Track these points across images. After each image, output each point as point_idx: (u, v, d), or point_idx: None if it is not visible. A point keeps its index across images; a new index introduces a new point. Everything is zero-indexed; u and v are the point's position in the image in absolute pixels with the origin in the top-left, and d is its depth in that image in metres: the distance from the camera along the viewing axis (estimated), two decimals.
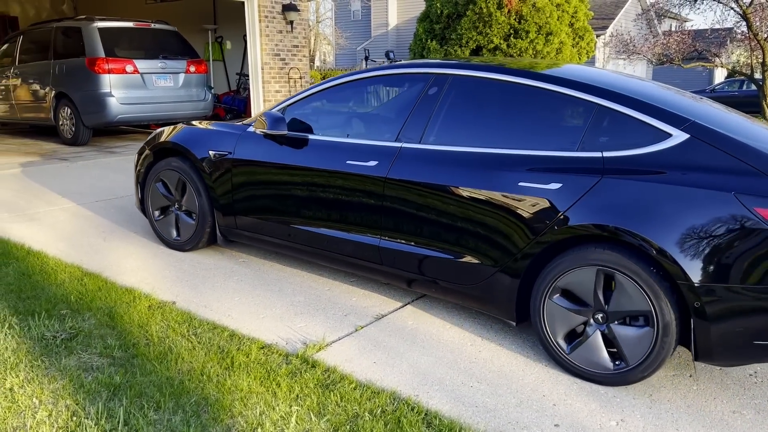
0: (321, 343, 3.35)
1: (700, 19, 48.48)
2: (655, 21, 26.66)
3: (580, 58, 11.32)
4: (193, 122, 4.76)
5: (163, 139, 4.69)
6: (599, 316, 3.02)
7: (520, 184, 3.17)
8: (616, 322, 2.98)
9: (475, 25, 10.53)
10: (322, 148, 3.92)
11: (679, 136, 2.96)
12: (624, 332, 2.96)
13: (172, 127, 4.80)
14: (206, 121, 4.76)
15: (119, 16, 10.68)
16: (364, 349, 3.32)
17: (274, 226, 4.16)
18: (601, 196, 2.96)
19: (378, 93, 4.28)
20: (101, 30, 9.19)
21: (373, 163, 3.65)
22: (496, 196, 3.22)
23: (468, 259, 3.37)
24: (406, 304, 3.91)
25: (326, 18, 38.97)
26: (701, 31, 25.41)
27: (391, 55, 7.21)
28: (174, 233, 4.72)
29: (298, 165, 3.95)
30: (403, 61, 4.19)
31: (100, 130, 9.82)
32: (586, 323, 3.06)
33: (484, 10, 10.40)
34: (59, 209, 5.74)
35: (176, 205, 4.68)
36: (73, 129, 9.40)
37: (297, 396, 2.82)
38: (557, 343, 3.14)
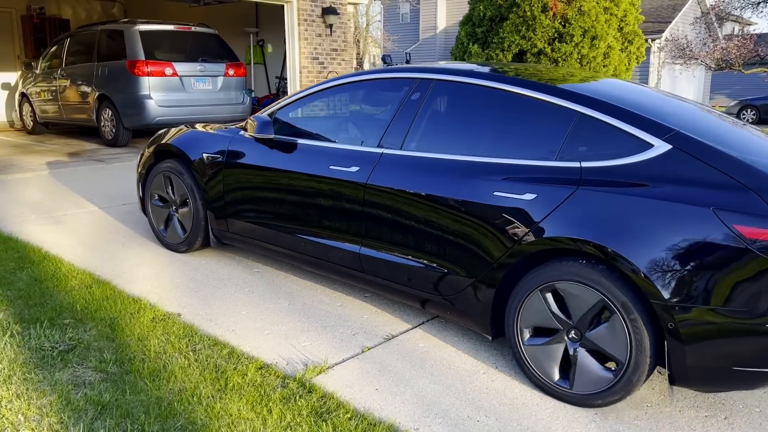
0: (323, 365, 3.18)
1: (764, 23, 46.54)
2: (715, 24, 25.61)
3: (629, 64, 10.88)
4: (197, 125, 4.74)
5: (162, 141, 4.74)
6: (573, 333, 2.90)
7: (495, 193, 3.07)
8: (587, 339, 2.85)
9: (518, 29, 10.22)
10: (308, 152, 3.89)
11: (660, 147, 2.81)
12: (594, 351, 2.85)
13: (176, 128, 4.81)
14: (212, 125, 4.73)
15: (163, 19, 10.81)
16: (367, 373, 3.14)
17: (262, 230, 4.13)
18: (575, 208, 2.84)
19: (367, 97, 4.18)
20: (142, 33, 9.28)
21: (354, 168, 3.59)
22: (471, 205, 3.14)
23: (444, 269, 3.28)
24: (418, 325, 3.70)
25: (376, 21, 38.98)
26: (765, 35, 24.31)
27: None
28: (173, 234, 4.74)
29: (284, 169, 3.93)
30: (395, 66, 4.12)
31: (140, 131, 9.92)
32: (561, 340, 2.94)
33: (528, 13, 10.08)
34: (85, 212, 5.75)
35: (173, 207, 4.70)
36: (114, 130, 9.52)
37: (288, 425, 2.65)
38: (531, 364, 3.04)
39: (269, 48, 11.92)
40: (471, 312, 3.25)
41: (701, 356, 2.63)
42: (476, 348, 3.46)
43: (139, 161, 4.97)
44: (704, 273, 2.56)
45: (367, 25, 38.77)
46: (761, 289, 2.50)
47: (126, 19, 9.94)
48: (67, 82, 10.38)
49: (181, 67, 9.35)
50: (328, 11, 10.02)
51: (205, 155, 4.38)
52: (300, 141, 3.97)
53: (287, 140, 4.02)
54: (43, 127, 11.69)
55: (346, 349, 3.37)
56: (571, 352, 2.90)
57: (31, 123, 11.68)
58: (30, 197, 6.20)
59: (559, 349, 2.94)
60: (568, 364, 2.94)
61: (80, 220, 5.47)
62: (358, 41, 35.08)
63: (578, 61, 10.02)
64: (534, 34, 10.11)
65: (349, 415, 2.73)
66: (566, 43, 10.01)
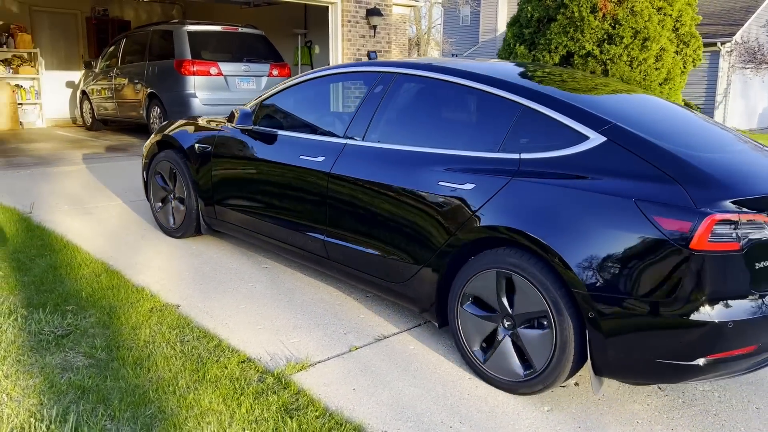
0: (305, 362, 3.16)
1: None
2: None
3: (684, 67, 10.42)
4: (200, 118, 4.97)
5: (164, 132, 5.05)
6: (507, 321, 2.96)
7: (440, 183, 3.16)
8: (521, 328, 2.90)
9: (565, 30, 9.95)
10: (282, 142, 4.07)
11: (595, 139, 2.83)
12: (528, 338, 2.88)
13: (180, 121, 5.08)
14: (218, 118, 4.92)
15: (217, 21, 11.09)
16: (349, 372, 3.10)
17: (244, 218, 4.32)
18: (508, 198, 2.90)
19: (341, 90, 4.29)
20: (190, 33, 9.53)
21: (320, 158, 3.75)
22: (418, 194, 3.24)
23: (396, 255, 3.38)
24: (413, 327, 3.64)
25: (436, 24, 38.84)
26: None
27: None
28: (171, 220, 5.00)
29: (261, 158, 4.13)
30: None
31: None
32: (496, 329, 3.00)
33: (576, 14, 9.81)
34: (115, 204, 5.94)
35: (171, 194, 4.98)
36: None
37: (255, 419, 2.65)
38: (471, 349, 3.11)
39: (316, 49, 12.03)
40: (420, 298, 3.32)
41: (622, 347, 2.61)
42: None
43: (144, 152, 5.25)
44: (624, 264, 2.56)
45: (429, 28, 38.70)
46: (679, 280, 2.47)
47: (177, 20, 10.23)
48: (122, 81, 10.78)
49: (226, 67, 9.55)
50: (373, 12, 10.04)
51: (196, 145, 4.63)
52: (276, 131, 4.15)
53: (265, 131, 4.21)
54: (101, 124, 12.18)
55: (334, 348, 3.34)
56: (500, 337, 2.98)
57: (90, 120, 12.19)
58: (68, 189, 6.45)
59: (489, 329, 3.02)
60: (491, 343, 3.03)
61: (108, 212, 5.65)
62: (418, 44, 35.03)
63: (628, 63, 9.68)
64: (582, 35, 9.82)
65: (317, 413, 2.70)
66: (615, 45, 9.68)
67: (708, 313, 2.47)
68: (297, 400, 2.80)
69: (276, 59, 10.14)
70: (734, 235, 2.47)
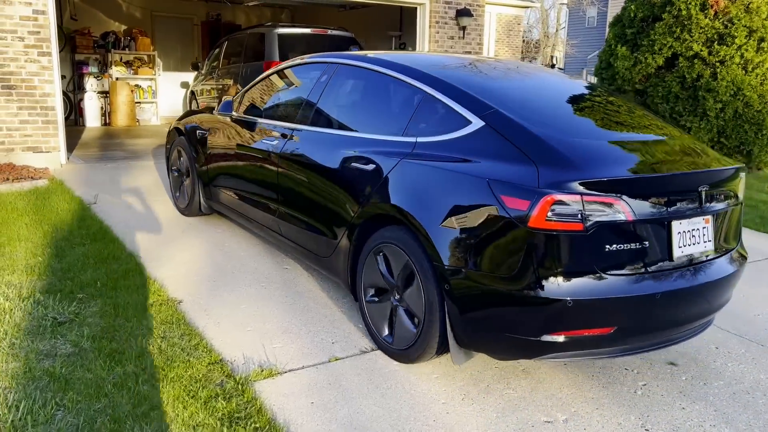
0: (276, 369, 3.05)
1: None
2: None
3: None
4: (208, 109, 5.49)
5: (179, 120, 5.68)
6: (396, 293, 3.15)
7: (353, 164, 3.42)
8: (404, 300, 3.10)
9: (671, 30, 9.14)
10: (253, 128, 4.48)
11: (476, 124, 2.99)
12: (407, 309, 3.10)
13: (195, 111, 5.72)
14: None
15: (316, 23, 11.33)
16: (316, 385, 2.95)
17: (227, 197, 4.78)
18: (396, 179, 3.12)
19: (300, 79, 4.55)
20: (280, 35, 9.76)
21: (275, 142, 4.13)
22: (337, 175, 3.52)
23: (323, 231, 3.66)
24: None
25: (560, 26, 37.43)
26: None
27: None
28: (182, 200, 5.54)
29: (238, 143, 4.57)
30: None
31: None
32: (390, 300, 3.21)
33: (684, 12, 8.97)
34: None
35: (183, 176, 5.47)
36: None
37: (195, 424, 2.57)
38: (370, 317, 3.35)
39: (408, 50, 11.95)
40: (340, 272, 3.57)
41: (474, 320, 2.77)
42: (455, 373, 3.11)
43: (168, 137, 5.83)
44: (474, 240, 2.72)
45: (557, 29, 37.40)
46: (520, 257, 2.58)
47: (270, 23, 10.53)
48: (222, 82, 11.28)
49: None
50: (462, 13, 9.77)
51: (198, 132, 5.16)
52: (249, 118, 4.58)
53: (242, 118, 4.68)
54: None
55: (314, 357, 3.21)
56: (393, 310, 3.18)
57: None
58: (141, 183, 6.80)
59: (387, 307, 3.22)
60: (392, 320, 3.21)
61: (165, 207, 5.87)
62: (537, 46, 33.93)
63: (741, 66, 8.71)
64: (690, 35, 8.97)
65: (259, 425, 2.58)
66: (727, 46, 8.75)
67: (546, 289, 2.55)
68: (245, 408, 2.70)
69: None
70: (578, 215, 2.52)
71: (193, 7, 14.28)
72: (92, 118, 12.57)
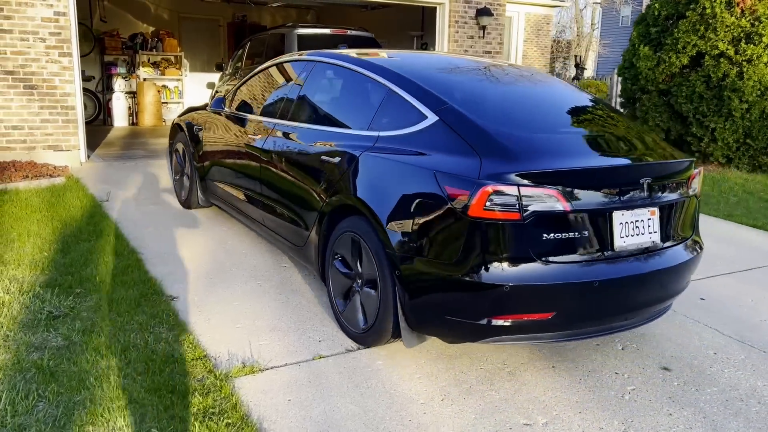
0: (258, 366, 3.07)
1: None
2: None
3: None
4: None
5: (178, 117, 5.97)
6: (359, 279, 3.30)
7: (322, 158, 3.59)
8: (364, 286, 3.25)
9: (695, 28, 8.93)
10: (242, 124, 4.65)
11: (431, 119, 3.12)
12: (366, 295, 3.25)
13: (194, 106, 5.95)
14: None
15: (340, 23, 11.35)
16: (296, 382, 2.95)
17: (219, 189, 5.00)
18: (356, 171, 3.28)
19: (283, 77, 4.67)
20: (300, 36, 9.81)
21: (258, 137, 4.32)
22: (309, 167, 3.71)
23: (297, 222, 3.83)
24: (395, 340, 3.40)
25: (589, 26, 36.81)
26: None
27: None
28: (182, 194, 5.80)
29: (228, 138, 4.77)
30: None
31: None
32: (352, 286, 3.37)
33: (708, 11, 8.76)
34: None
35: (184, 170, 5.71)
36: None
37: (168, 418, 2.60)
38: (336, 303, 3.51)
39: (431, 51, 11.90)
40: (312, 261, 3.72)
41: (422, 304, 2.92)
42: (438, 374, 3.08)
43: (170, 132, 6.16)
44: (423, 228, 2.86)
45: (592, 29, 36.81)
46: (461, 244, 2.72)
47: (290, 24, 10.61)
48: None
49: None
50: (483, 12, 9.69)
51: (194, 128, 5.42)
52: (238, 114, 4.77)
53: (232, 114, 4.86)
54: None
55: (298, 354, 3.22)
56: (355, 296, 3.35)
57: None
58: (154, 180, 6.90)
59: (350, 293, 3.39)
60: (348, 297, 3.41)
61: (172, 203, 5.94)
62: (568, 45, 33.47)
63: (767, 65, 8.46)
64: (715, 34, 8.75)
65: (231, 421, 2.60)
66: (754, 45, 8.51)
67: (485, 275, 2.69)
68: (221, 404, 2.72)
69: None
70: (515, 205, 2.64)
71: (220, 9, 14.46)
72: (120, 118, 12.82)
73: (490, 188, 2.64)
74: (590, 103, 3.80)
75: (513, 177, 2.67)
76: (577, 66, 11.32)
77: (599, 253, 2.85)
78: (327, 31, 10.13)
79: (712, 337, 3.65)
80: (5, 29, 6.97)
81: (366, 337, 3.26)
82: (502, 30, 10.17)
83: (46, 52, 7.18)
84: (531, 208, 2.66)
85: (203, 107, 5.73)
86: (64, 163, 7.40)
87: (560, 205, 2.70)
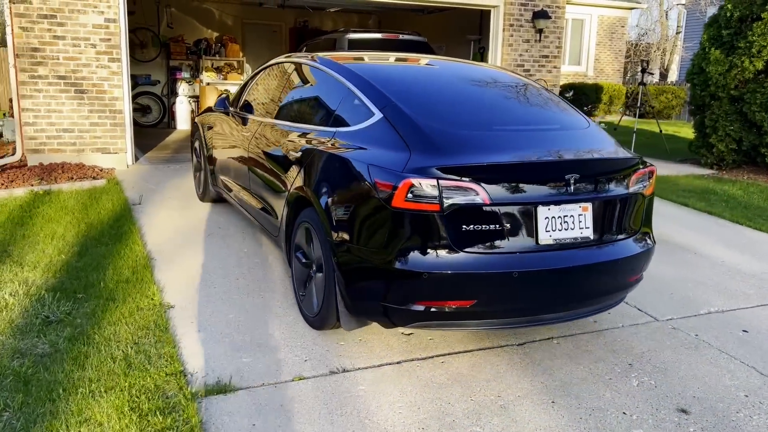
0: (232, 385, 2.93)
1: None
2: None
3: None
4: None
5: (197, 117, 6.39)
6: (313, 267, 3.46)
7: (289, 152, 3.82)
8: (317, 272, 3.42)
9: None
10: (240, 122, 4.93)
11: (377, 116, 3.32)
12: (317, 281, 3.41)
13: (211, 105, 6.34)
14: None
15: (401, 28, 11.23)
16: (266, 405, 2.79)
17: (222, 182, 5.36)
18: (310, 165, 3.52)
19: (275, 78, 4.89)
20: (350, 41, 9.74)
21: (248, 134, 4.63)
22: (280, 161, 3.94)
23: (272, 213, 4.10)
24: (385, 365, 3.19)
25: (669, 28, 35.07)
26: None
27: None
28: (198, 188, 6.28)
29: (228, 136, 5.12)
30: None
31: None
32: (309, 273, 3.54)
33: None
34: (217, 203, 6.22)
35: (201, 165, 6.10)
36: None
37: None
38: (297, 289, 3.72)
39: (488, 55, 11.55)
40: (284, 250, 3.94)
41: (356, 289, 3.10)
42: (420, 405, 2.85)
43: (191, 128, 6.82)
44: (355, 217, 3.06)
45: (676, 33, 35.16)
46: (386, 233, 2.89)
47: (343, 29, 10.55)
48: None
49: None
50: (539, 15, 9.28)
51: (207, 126, 5.76)
52: (238, 113, 5.04)
53: (233, 112, 5.12)
54: None
55: (279, 374, 3.06)
56: (309, 281, 3.54)
57: None
58: (193, 183, 6.94)
59: (306, 279, 3.58)
60: (310, 291, 3.54)
61: (206, 210, 5.93)
62: (652, 49, 32.03)
63: None
64: None
65: None
66: None
67: (406, 263, 2.84)
68: (180, 426, 2.59)
69: None
70: (435, 197, 2.78)
71: (282, 15, 14.63)
72: (182, 121, 13.14)
73: (411, 181, 2.79)
74: (548, 104, 3.88)
75: (434, 171, 2.82)
76: (643, 71, 10.66)
77: (521, 246, 2.94)
78: (378, 35, 10.01)
79: (747, 377, 3.24)
80: (59, 35, 7.21)
81: (316, 321, 3.46)
82: (561, 33, 9.72)
83: (96, 58, 7.38)
84: (451, 201, 2.80)
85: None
86: (111, 166, 7.59)
87: (480, 198, 2.83)
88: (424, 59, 4.63)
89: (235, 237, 5.13)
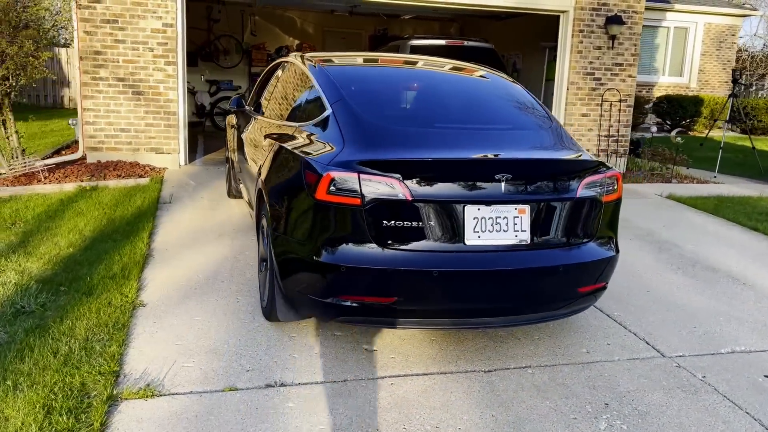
0: (158, 390, 2.82)
1: None
2: None
3: None
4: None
5: (228, 117, 6.69)
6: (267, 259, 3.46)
7: (264, 146, 4.02)
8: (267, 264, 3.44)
9: None
10: (247, 119, 5.16)
11: (328, 111, 3.37)
12: (265, 272, 3.48)
13: None
14: None
15: (479, 35, 10.96)
16: (182, 415, 2.66)
17: (237, 175, 5.63)
18: (270, 158, 3.66)
19: (275, 77, 5.00)
20: (412, 47, 9.60)
21: (248, 129, 4.91)
22: (256, 157, 4.14)
23: (251, 205, 4.27)
24: (334, 381, 2.98)
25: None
26: None
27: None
28: (227, 183, 6.47)
29: (239, 133, 5.37)
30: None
31: None
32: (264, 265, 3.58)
33: None
34: (243, 202, 6.22)
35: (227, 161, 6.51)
36: None
37: None
38: (260, 280, 3.77)
39: (556, 62, 10.97)
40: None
41: (287, 279, 3.13)
42: (343, 428, 2.61)
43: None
44: (287, 209, 3.17)
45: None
46: (309, 225, 2.93)
47: (408, 35, 10.41)
48: None
49: None
50: (613, 20, 8.66)
51: (230, 124, 6.10)
52: (246, 109, 5.35)
53: (244, 110, 5.42)
54: None
55: (211, 383, 2.92)
56: (265, 272, 3.53)
57: None
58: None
59: (264, 268, 3.60)
60: (264, 282, 3.58)
61: (232, 210, 5.93)
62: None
63: None
64: None
65: None
66: None
67: (324, 255, 2.85)
68: (83, 428, 2.50)
69: None
70: (356, 191, 2.78)
71: (362, 23, 14.69)
72: None
73: (332, 174, 2.81)
74: (511, 105, 3.83)
75: (356, 165, 2.83)
76: (735, 82, 9.73)
77: (447, 246, 2.86)
78: (442, 42, 9.80)
79: (748, 431, 2.74)
80: (119, 39, 7.53)
81: (266, 311, 3.50)
82: (637, 40, 9.04)
83: (153, 61, 7.65)
84: (372, 195, 2.78)
85: None
86: (164, 165, 7.82)
87: (402, 194, 2.78)
88: (413, 61, 4.71)
89: (243, 238, 5.08)
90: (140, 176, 7.17)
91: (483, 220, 2.88)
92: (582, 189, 3.05)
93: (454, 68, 4.48)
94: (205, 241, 5.01)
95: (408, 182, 2.79)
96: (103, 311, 3.56)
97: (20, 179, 6.93)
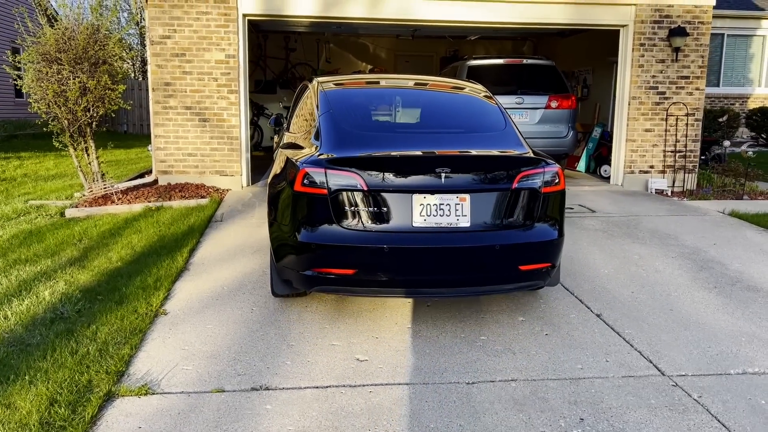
0: (152, 390, 3.08)
1: None
2: None
3: None
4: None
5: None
6: None
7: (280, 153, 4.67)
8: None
9: None
10: (282, 134, 5.71)
11: (317, 122, 4.02)
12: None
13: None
14: None
15: (549, 54, 10.87)
16: (165, 412, 2.88)
17: None
18: (275, 163, 4.45)
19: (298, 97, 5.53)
20: (470, 67, 9.65)
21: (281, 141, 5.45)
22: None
23: None
24: (315, 387, 3.12)
25: None
26: None
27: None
28: None
29: (278, 144, 5.80)
30: None
31: None
32: None
33: None
34: None
35: None
36: None
37: (20, 426, 2.74)
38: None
39: (617, 77, 10.63)
40: None
41: (277, 256, 3.85)
42: (313, 430, 2.75)
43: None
44: (277, 199, 3.93)
45: None
46: (290, 211, 3.63)
47: (467, 56, 10.49)
48: None
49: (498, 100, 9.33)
50: (676, 32, 8.33)
51: (276, 142, 6.62)
52: (281, 128, 6.00)
53: (281, 128, 6.07)
54: None
55: (202, 384, 3.14)
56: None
57: None
58: None
59: None
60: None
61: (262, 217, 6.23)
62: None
63: None
64: None
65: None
66: None
67: (300, 235, 3.55)
68: (75, 418, 2.78)
69: (558, 90, 9.42)
70: (323, 183, 3.45)
71: (434, 45, 14.90)
72: None
73: (305, 169, 3.51)
74: (473, 114, 4.57)
75: (324, 162, 3.50)
76: None
77: (397, 227, 3.47)
78: (500, 61, 9.82)
79: None
80: (187, 71, 8.13)
81: (272, 289, 4.16)
82: (705, 52, 8.66)
83: (217, 90, 8.18)
84: (335, 186, 3.44)
85: None
86: (228, 187, 8.30)
87: (359, 184, 3.43)
88: (406, 79, 5.57)
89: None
90: (202, 197, 7.66)
91: (428, 206, 3.47)
92: (519, 181, 3.57)
93: (434, 85, 5.15)
94: (241, 256, 5.30)
95: (364, 175, 3.42)
96: (127, 318, 3.89)
97: (98, 200, 7.59)
